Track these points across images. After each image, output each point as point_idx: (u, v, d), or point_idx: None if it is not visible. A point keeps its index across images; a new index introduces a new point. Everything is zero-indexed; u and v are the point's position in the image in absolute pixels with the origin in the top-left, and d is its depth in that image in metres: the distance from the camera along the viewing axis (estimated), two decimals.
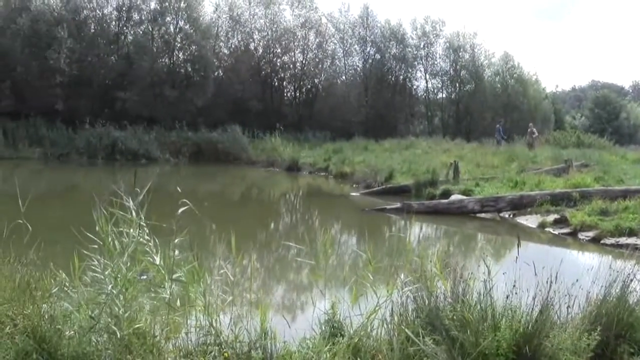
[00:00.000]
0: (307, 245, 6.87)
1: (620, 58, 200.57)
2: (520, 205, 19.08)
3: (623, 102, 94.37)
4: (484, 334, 5.38)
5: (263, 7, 56.77)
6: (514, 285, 5.65)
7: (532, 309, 5.59)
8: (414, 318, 5.85)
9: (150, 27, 50.54)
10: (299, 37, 58.26)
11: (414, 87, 65.06)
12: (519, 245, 6.48)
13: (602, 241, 15.15)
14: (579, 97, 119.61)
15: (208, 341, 5.42)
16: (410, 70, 63.77)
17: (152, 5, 50.59)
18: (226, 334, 5.46)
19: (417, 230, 17.30)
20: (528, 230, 17.35)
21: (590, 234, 15.75)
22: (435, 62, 64.77)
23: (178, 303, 5.54)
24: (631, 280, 6.33)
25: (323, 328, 5.93)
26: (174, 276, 5.44)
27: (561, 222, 17.05)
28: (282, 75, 59.08)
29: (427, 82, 64.78)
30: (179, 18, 50.67)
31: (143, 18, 51.00)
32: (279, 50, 57.75)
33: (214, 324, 5.43)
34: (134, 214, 5.47)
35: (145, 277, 5.73)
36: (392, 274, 6.36)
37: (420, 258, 6.23)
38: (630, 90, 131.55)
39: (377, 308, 5.78)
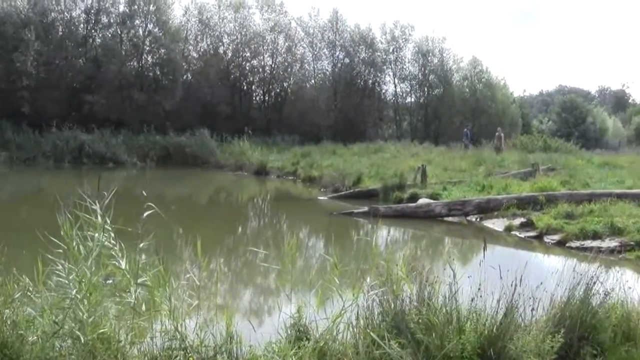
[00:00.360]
0: (275, 249, 6.84)
1: (586, 63, 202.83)
2: (487, 209, 19.21)
3: (589, 106, 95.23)
4: (449, 337, 5.42)
5: (232, 10, 56.51)
6: (479, 289, 5.70)
7: (497, 311, 5.65)
8: (380, 321, 5.87)
9: (119, 30, 50.09)
10: (268, 41, 58.07)
11: (383, 91, 65.04)
12: (484, 248, 6.52)
13: (567, 244, 15.33)
14: (546, 101, 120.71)
15: (173, 346, 5.40)
16: (379, 75, 63.81)
17: (121, 8, 50.18)
18: (192, 339, 5.44)
19: (385, 234, 17.33)
20: (495, 234, 17.47)
21: (556, 237, 15.91)
22: (404, 67, 64.91)
23: (143, 307, 5.50)
24: (594, 283, 6.40)
25: (289, 332, 5.93)
26: (139, 280, 5.42)
27: (527, 225, 17.21)
28: (251, 79, 58.87)
29: (395, 86, 64.95)
30: (148, 21, 50.28)
31: (112, 21, 50.50)
32: (248, 54, 57.56)
33: (180, 329, 5.40)
34: (99, 217, 5.44)
35: (110, 281, 5.69)
36: (358, 278, 6.37)
37: (387, 262, 6.24)
38: (597, 95, 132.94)
39: (342, 312, 5.79)
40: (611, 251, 13.98)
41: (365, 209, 19.49)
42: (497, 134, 43.36)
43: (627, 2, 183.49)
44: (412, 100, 66.19)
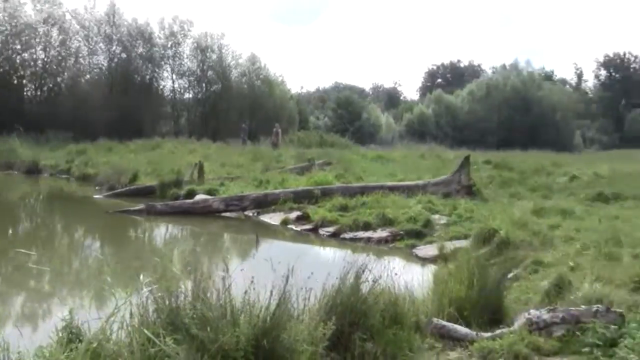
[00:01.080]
0: (48, 251, 6.60)
1: (361, 62, 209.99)
2: (265, 204, 19.44)
3: (364, 103, 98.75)
4: (224, 331, 5.45)
5: (1, 0, 53.74)
6: (252, 281, 5.77)
7: (270, 303, 5.74)
8: (155, 319, 5.80)
9: None
10: (40, 33, 55.68)
11: (161, 87, 64.47)
12: (257, 242, 6.65)
13: (341, 235, 15.81)
14: (322, 98, 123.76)
15: None
16: (157, 70, 63.08)
17: None
18: None
19: (162, 232, 17.21)
20: (272, 228, 17.76)
21: (331, 229, 16.37)
22: (183, 62, 64.55)
23: None
24: (364, 271, 6.66)
25: (60, 335, 5.73)
26: None
27: (303, 218, 17.57)
28: (22, 72, 56.13)
29: (174, 82, 64.37)
30: None
31: None
32: (18, 46, 54.90)
33: None
34: None
35: None
36: (132, 276, 6.28)
37: (162, 259, 6.20)
38: (371, 92, 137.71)
39: (115, 311, 5.67)
40: (382, 241, 14.63)
41: (142, 206, 19.14)
42: (274, 130, 44.05)
43: (398, 5, 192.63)
44: (191, 96, 66.00)
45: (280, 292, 5.78)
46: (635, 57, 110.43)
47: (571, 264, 10.42)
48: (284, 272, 5.92)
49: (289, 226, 17.51)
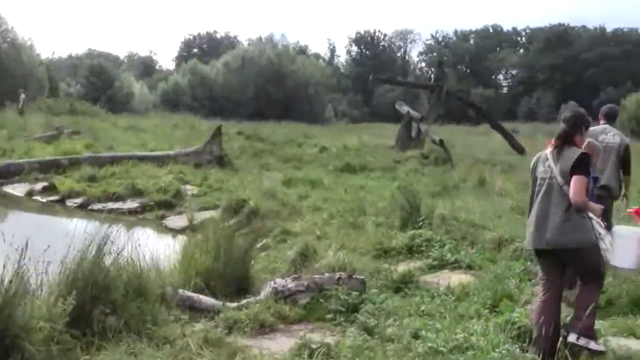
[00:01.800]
0: None
1: (116, 29, 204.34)
2: (8, 174, 18.45)
3: (118, 71, 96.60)
4: None
5: None
6: None
7: (3, 279, 5.43)
8: None
9: None
10: None
11: None
12: None
13: (90, 207, 15.58)
14: (75, 65, 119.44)
15: None
16: None
17: None
18: None
19: None
20: (16, 200, 17.01)
21: (79, 200, 16.06)
22: None
23: None
24: (106, 243, 6.46)
25: None
26: None
27: (49, 189, 17.05)
28: None
29: None
30: None
31: None
32: None
33: None
34: None
35: None
36: None
37: None
38: (126, 60, 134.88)
39: None
40: (132, 212, 14.56)
41: None
42: (21, 97, 42.13)
43: None
44: None
45: (14, 267, 5.47)
46: (385, 35, 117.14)
47: (318, 233, 10.86)
48: (21, 245, 5.60)
49: (35, 197, 16.91)
